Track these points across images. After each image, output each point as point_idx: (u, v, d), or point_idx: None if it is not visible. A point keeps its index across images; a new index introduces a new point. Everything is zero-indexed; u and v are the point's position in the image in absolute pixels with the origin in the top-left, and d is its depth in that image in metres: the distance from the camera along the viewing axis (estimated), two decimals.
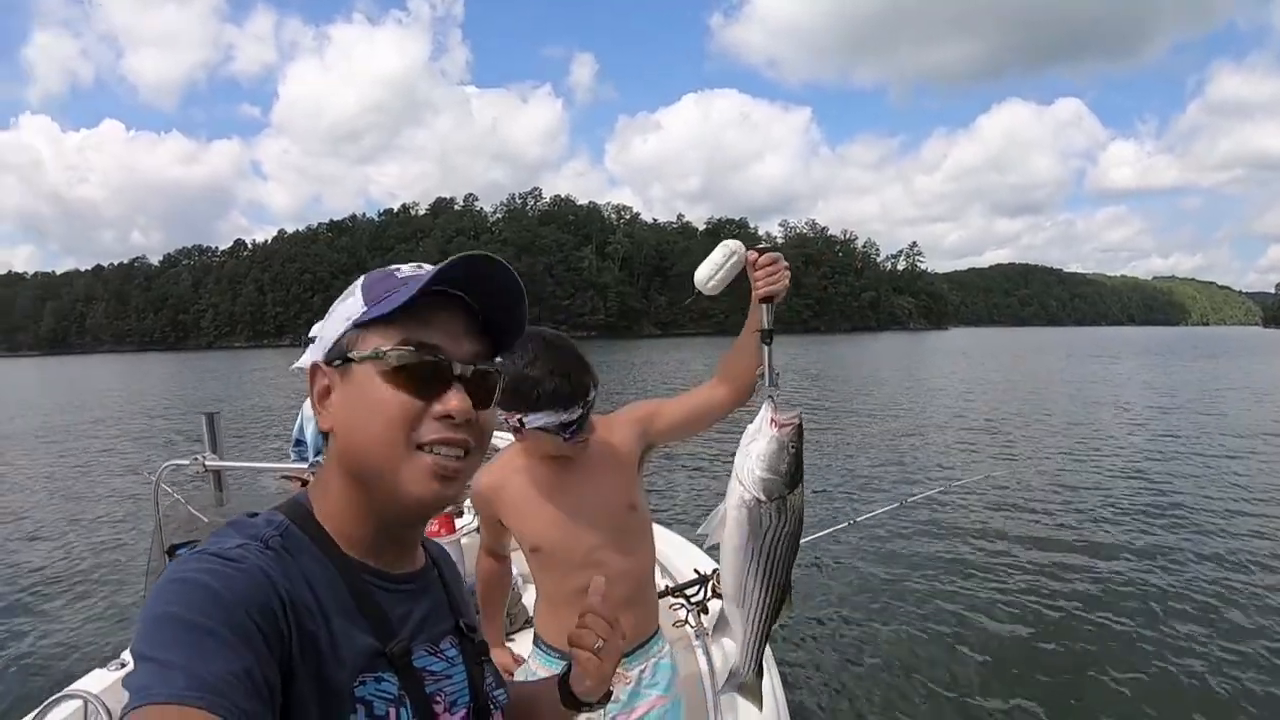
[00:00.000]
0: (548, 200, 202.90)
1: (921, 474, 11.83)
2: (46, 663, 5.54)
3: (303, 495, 0.93)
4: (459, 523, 3.95)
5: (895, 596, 6.54)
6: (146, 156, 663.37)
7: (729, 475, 1.42)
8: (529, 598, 3.86)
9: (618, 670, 2.00)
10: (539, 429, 1.81)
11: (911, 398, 24.51)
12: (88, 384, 46.24)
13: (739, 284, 1.75)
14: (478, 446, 0.89)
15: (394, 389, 0.83)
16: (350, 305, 0.89)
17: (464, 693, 0.96)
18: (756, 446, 1.41)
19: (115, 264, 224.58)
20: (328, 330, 0.91)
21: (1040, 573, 6.98)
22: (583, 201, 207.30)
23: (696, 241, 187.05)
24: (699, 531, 1.47)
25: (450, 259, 0.84)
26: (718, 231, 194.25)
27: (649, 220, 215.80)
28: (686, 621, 3.05)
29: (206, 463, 2.73)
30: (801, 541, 1.46)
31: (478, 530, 3.96)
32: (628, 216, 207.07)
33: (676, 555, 3.72)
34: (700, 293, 1.74)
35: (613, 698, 2.01)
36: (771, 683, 2.60)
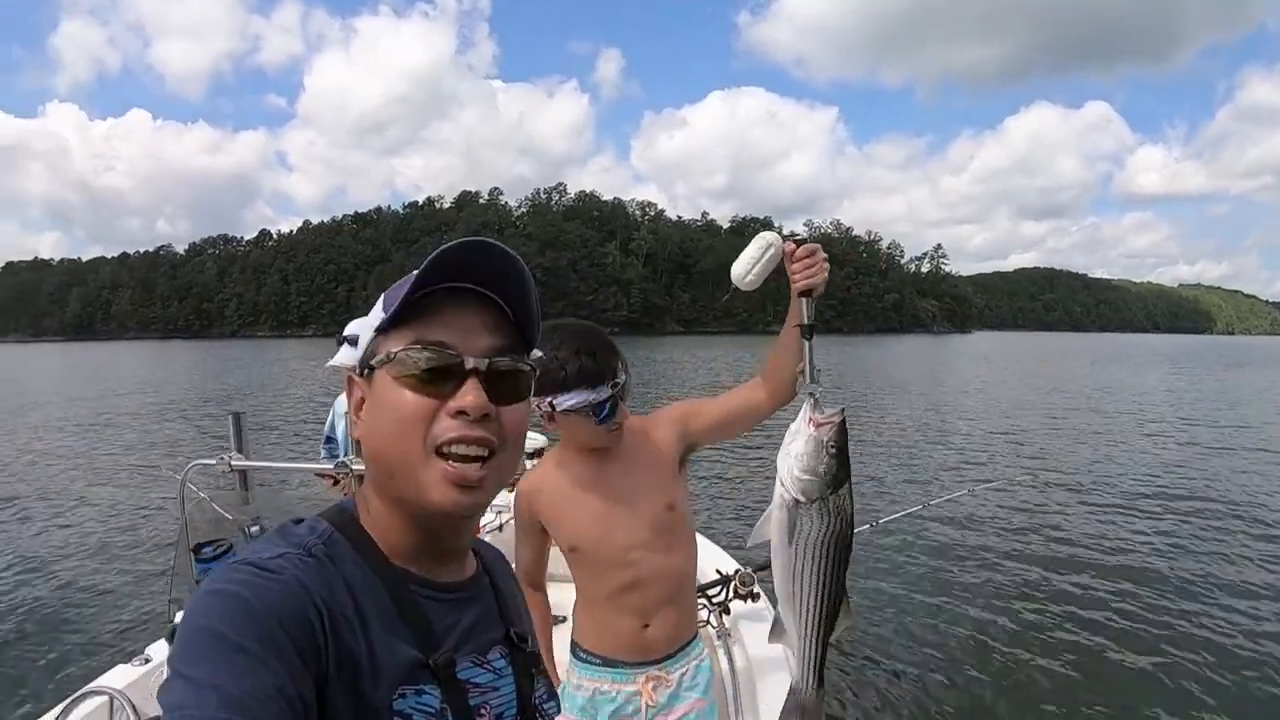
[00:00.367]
0: (573, 195, 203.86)
1: (943, 477, 11.73)
2: (70, 657, 5.53)
3: (349, 502, 0.91)
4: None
5: (914, 600, 6.47)
6: (173, 146, 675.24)
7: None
8: (555, 595, 3.83)
9: (659, 674, 1.99)
10: (569, 410, 1.80)
11: (933, 400, 24.37)
12: (113, 371, 46.58)
13: (769, 281, 1.70)
14: (502, 446, 0.85)
15: (407, 389, 0.82)
16: (375, 314, 0.89)
17: (511, 705, 0.91)
18: (795, 446, 1.37)
19: (141, 252, 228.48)
20: (361, 342, 0.89)
21: (1063, 581, 6.89)
22: (607, 197, 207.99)
23: (721, 239, 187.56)
24: (749, 544, 1.43)
25: (440, 248, 0.81)
26: (742, 230, 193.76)
27: (673, 217, 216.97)
28: (708, 622, 3.03)
29: (233, 463, 2.72)
30: None
31: (499, 529, 3.95)
32: (652, 213, 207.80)
33: (698, 554, 3.68)
34: (737, 289, 1.70)
35: (653, 701, 1.99)
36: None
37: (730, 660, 2.80)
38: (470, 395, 0.82)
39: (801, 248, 1.62)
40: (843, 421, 1.38)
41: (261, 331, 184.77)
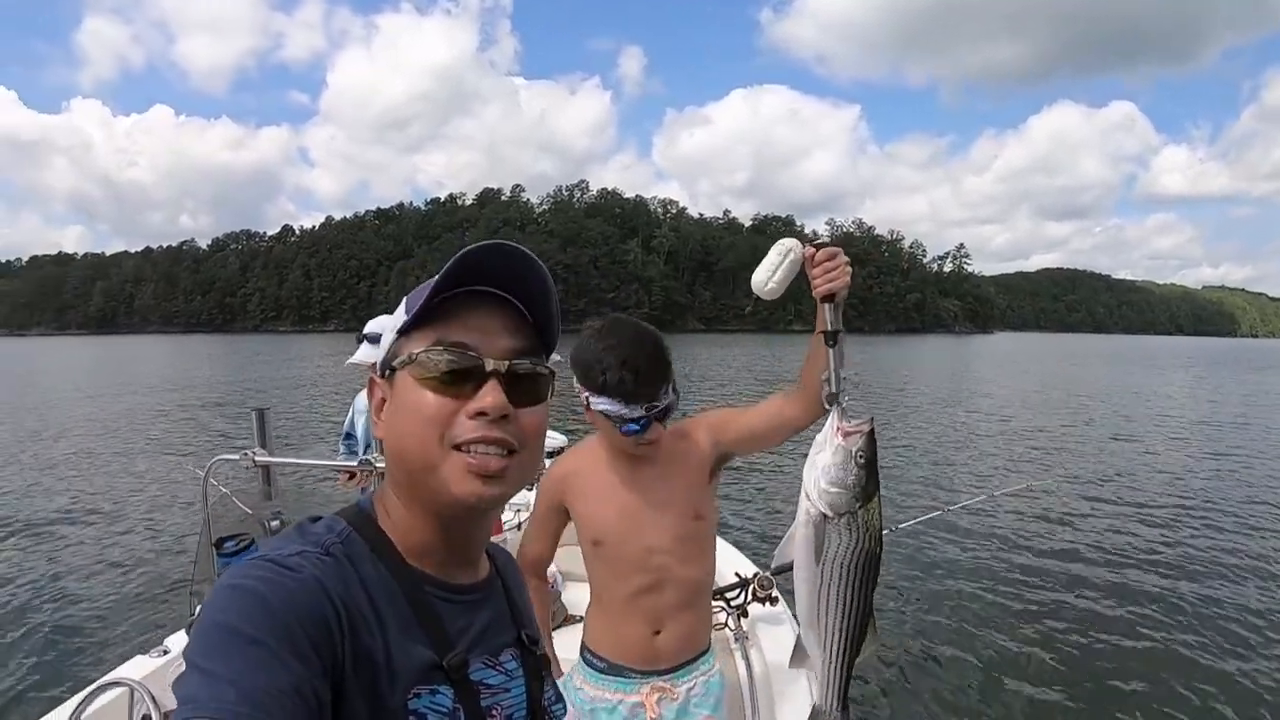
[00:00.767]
0: (594, 193, 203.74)
1: (962, 482, 11.62)
2: (88, 647, 5.58)
3: (366, 501, 0.92)
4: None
5: (931, 605, 6.42)
6: (196, 141, 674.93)
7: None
8: (569, 595, 3.83)
9: (665, 686, 1.96)
10: (602, 412, 1.80)
11: (955, 402, 24.17)
12: (137, 365, 47.01)
13: (792, 281, 1.64)
14: (523, 447, 0.86)
15: (427, 390, 0.83)
16: (397, 316, 0.90)
17: (521, 706, 0.93)
18: (823, 458, 1.34)
19: (164, 246, 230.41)
20: (383, 343, 0.91)
21: (1085, 591, 6.82)
22: (629, 195, 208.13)
23: (742, 237, 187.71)
24: (773, 567, 1.40)
25: (462, 250, 0.83)
26: (764, 228, 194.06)
27: (695, 215, 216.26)
28: (726, 625, 3.03)
29: (256, 458, 2.73)
30: None
31: (518, 528, 3.95)
32: (674, 211, 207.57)
33: (717, 557, 3.67)
34: (759, 298, 1.64)
35: (656, 714, 1.97)
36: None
37: (748, 665, 2.79)
38: (490, 396, 0.83)
39: (821, 251, 1.54)
40: (871, 431, 1.34)
41: (284, 326, 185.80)
